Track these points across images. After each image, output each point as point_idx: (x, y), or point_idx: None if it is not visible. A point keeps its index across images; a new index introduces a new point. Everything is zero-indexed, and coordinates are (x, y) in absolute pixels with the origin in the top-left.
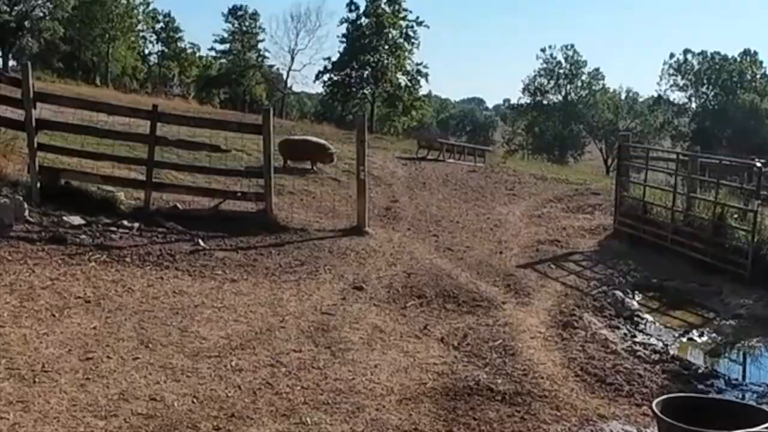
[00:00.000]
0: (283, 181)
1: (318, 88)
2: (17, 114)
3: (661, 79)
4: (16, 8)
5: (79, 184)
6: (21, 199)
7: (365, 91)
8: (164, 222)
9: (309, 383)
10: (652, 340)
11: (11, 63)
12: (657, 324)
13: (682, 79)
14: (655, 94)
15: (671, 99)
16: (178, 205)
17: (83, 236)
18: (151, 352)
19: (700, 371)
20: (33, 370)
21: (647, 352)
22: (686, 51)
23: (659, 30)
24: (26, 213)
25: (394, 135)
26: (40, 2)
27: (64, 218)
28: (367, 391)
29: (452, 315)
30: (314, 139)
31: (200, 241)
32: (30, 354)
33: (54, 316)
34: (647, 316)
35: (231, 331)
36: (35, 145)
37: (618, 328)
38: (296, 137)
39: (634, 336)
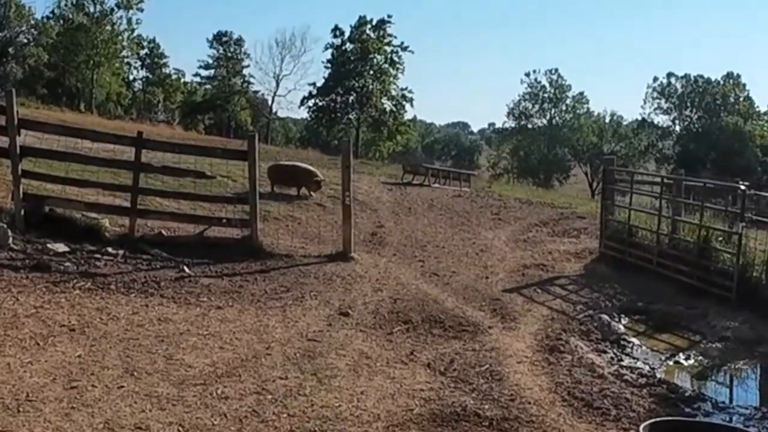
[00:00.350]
0: (269, 207)
1: (303, 114)
2: (1, 141)
3: (645, 103)
4: (0, 34)
5: (63, 211)
6: (5, 226)
7: (350, 116)
8: (149, 249)
9: (295, 411)
10: (639, 364)
11: None
12: (643, 347)
13: (666, 102)
14: (639, 118)
15: (655, 122)
16: (163, 232)
17: (67, 264)
18: (137, 380)
19: (687, 394)
20: (17, 399)
21: (634, 376)
22: (669, 74)
23: (642, 54)
24: (10, 240)
25: (379, 160)
26: (24, 29)
27: (49, 245)
28: (354, 417)
29: (439, 340)
30: (303, 165)
31: (185, 267)
32: (14, 383)
33: (38, 344)
34: (634, 339)
35: (216, 359)
36: (19, 172)
37: (605, 351)
38: (285, 163)
39: (621, 360)
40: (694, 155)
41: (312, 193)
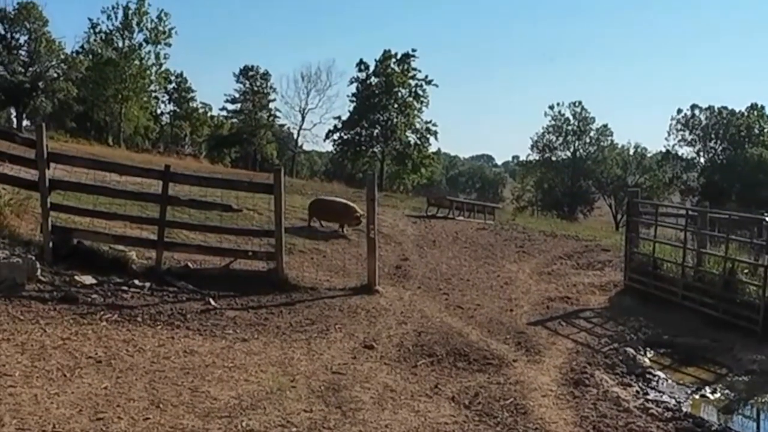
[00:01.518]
0: (294, 240)
1: (328, 147)
2: (31, 174)
3: (669, 135)
4: (30, 69)
5: (91, 243)
6: (33, 258)
7: (375, 149)
8: (175, 281)
9: None
10: (665, 398)
11: (25, 123)
12: (669, 381)
13: (690, 134)
14: (664, 150)
15: (679, 154)
16: (190, 265)
17: (95, 296)
18: (162, 412)
19: (713, 428)
20: (44, 430)
21: (660, 410)
22: (693, 106)
23: (666, 86)
24: (38, 272)
25: (403, 193)
26: (54, 63)
27: (76, 278)
28: None
29: (463, 373)
30: (343, 200)
31: (211, 300)
32: (41, 414)
33: (65, 376)
34: (659, 372)
35: (242, 391)
36: (48, 204)
37: (630, 385)
38: (327, 198)
39: (647, 393)
40: (719, 187)
41: (350, 228)
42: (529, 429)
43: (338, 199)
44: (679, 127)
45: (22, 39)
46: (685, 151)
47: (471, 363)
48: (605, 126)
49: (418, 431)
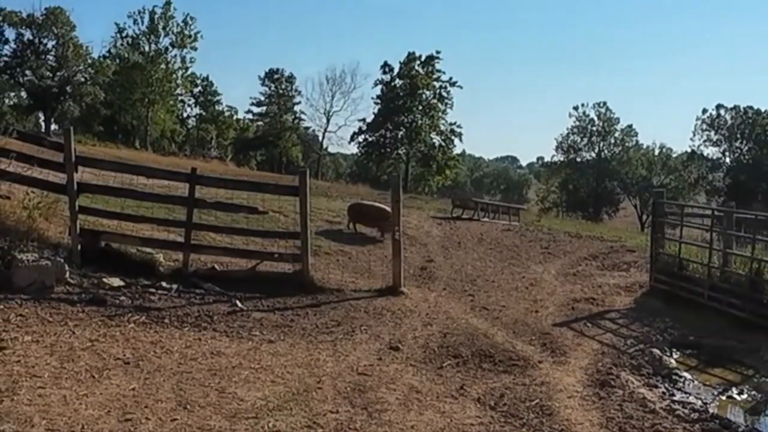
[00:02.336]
0: (320, 242)
1: (353, 149)
2: (59, 177)
3: (694, 135)
4: (58, 74)
5: (118, 246)
6: (62, 261)
7: (400, 151)
8: (202, 283)
9: None
10: (691, 399)
11: (53, 127)
12: (695, 382)
13: (716, 134)
14: (689, 150)
15: (705, 154)
16: (216, 267)
17: (122, 298)
18: (189, 413)
19: (740, 430)
20: (73, 431)
21: (686, 411)
22: (719, 106)
23: (691, 85)
24: (67, 275)
25: (428, 194)
26: (81, 68)
27: (104, 280)
28: None
29: (489, 375)
30: (380, 205)
31: (238, 302)
32: (70, 415)
33: (93, 377)
34: (685, 374)
35: (268, 392)
36: (76, 207)
37: (656, 386)
38: (364, 202)
39: (673, 395)
40: (745, 187)
41: (387, 233)
42: (555, 430)
43: (375, 204)
44: (704, 127)
45: (50, 44)
46: (711, 152)
47: (496, 364)
48: (630, 126)
49: None
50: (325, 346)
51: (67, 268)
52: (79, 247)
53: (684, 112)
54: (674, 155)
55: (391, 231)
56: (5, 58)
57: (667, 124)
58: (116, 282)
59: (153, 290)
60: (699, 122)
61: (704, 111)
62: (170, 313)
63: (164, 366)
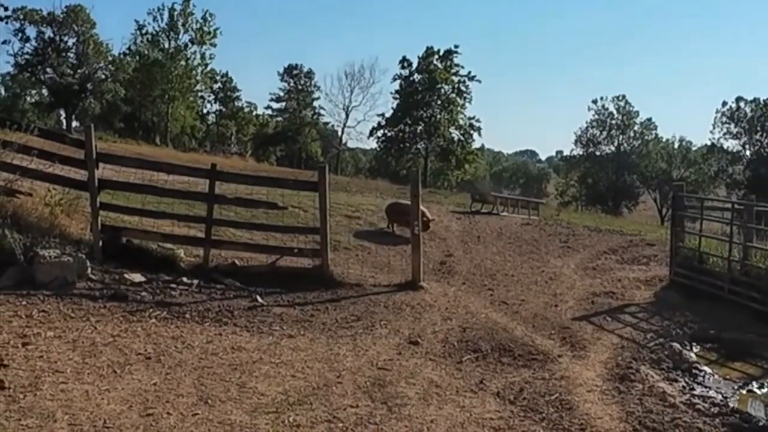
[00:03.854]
0: (339, 237)
1: (372, 144)
2: (80, 174)
3: (714, 128)
4: (79, 71)
5: (139, 242)
6: (84, 257)
7: (419, 146)
8: (223, 279)
9: None
10: (711, 393)
11: (74, 124)
12: (716, 376)
13: (736, 126)
14: (709, 143)
15: (725, 147)
16: (237, 262)
17: (144, 293)
18: (210, 407)
19: (761, 424)
20: (95, 425)
21: (706, 405)
22: (739, 98)
23: (711, 78)
24: (89, 271)
25: (447, 189)
26: (102, 65)
27: (126, 276)
28: None
29: (508, 369)
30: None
31: (258, 297)
32: (92, 410)
33: (115, 372)
34: (705, 368)
35: (288, 387)
36: (97, 204)
37: (676, 380)
38: (401, 201)
39: (693, 389)
40: (765, 180)
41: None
42: (575, 424)
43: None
44: (724, 119)
45: (71, 41)
46: (731, 144)
47: (516, 358)
48: (649, 120)
49: (464, 426)
50: (345, 341)
51: (88, 264)
52: (100, 243)
53: (704, 105)
54: (694, 148)
55: (424, 230)
56: (27, 56)
57: (686, 117)
58: (137, 278)
59: (174, 286)
60: (719, 115)
61: (724, 104)
62: (191, 309)
63: (185, 361)
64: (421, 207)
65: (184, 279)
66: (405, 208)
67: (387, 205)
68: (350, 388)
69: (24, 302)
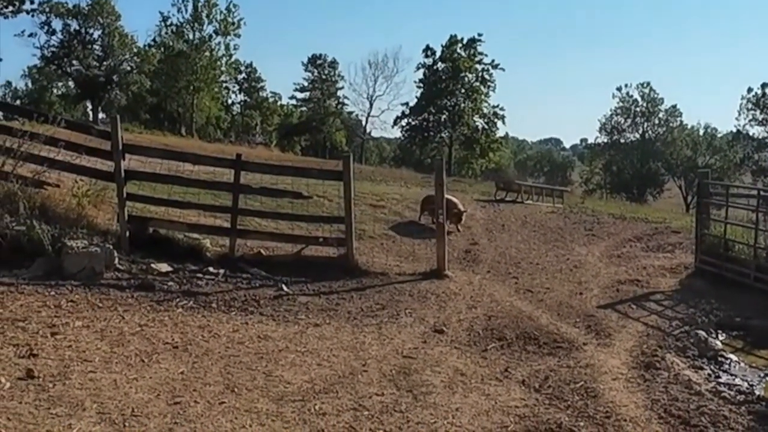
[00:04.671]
0: (364, 226)
1: (396, 133)
2: (107, 165)
3: (739, 114)
4: (104, 63)
5: (166, 232)
6: (111, 247)
7: (443, 134)
8: (248, 268)
9: (391, 427)
10: (737, 381)
11: (101, 115)
12: (742, 364)
13: (761, 113)
14: (734, 129)
15: (750, 134)
16: (262, 251)
17: (171, 283)
18: (237, 396)
19: None
20: (123, 414)
21: (732, 393)
22: (764, 85)
23: (737, 65)
24: (116, 261)
25: (472, 177)
26: (127, 57)
27: (152, 266)
28: None
29: (533, 357)
30: (449, 196)
31: (284, 286)
32: (120, 398)
33: (143, 361)
34: (731, 355)
35: (314, 375)
36: (124, 195)
37: (701, 368)
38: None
39: (719, 376)
40: None
41: (452, 224)
42: (600, 412)
43: (448, 196)
44: (749, 106)
45: (96, 34)
46: (757, 131)
47: (541, 346)
48: (674, 107)
49: (489, 414)
50: (371, 330)
51: (116, 254)
52: (127, 233)
53: (729, 92)
54: (719, 135)
55: (453, 222)
56: (53, 49)
57: (711, 103)
58: (164, 267)
59: (200, 275)
60: (744, 101)
61: (750, 90)
62: (217, 298)
63: (212, 350)
64: (453, 198)
65: (211, 269)
66: (432, 200)
67: (422, 198)
68: (376, 377)
69: (52, 292)
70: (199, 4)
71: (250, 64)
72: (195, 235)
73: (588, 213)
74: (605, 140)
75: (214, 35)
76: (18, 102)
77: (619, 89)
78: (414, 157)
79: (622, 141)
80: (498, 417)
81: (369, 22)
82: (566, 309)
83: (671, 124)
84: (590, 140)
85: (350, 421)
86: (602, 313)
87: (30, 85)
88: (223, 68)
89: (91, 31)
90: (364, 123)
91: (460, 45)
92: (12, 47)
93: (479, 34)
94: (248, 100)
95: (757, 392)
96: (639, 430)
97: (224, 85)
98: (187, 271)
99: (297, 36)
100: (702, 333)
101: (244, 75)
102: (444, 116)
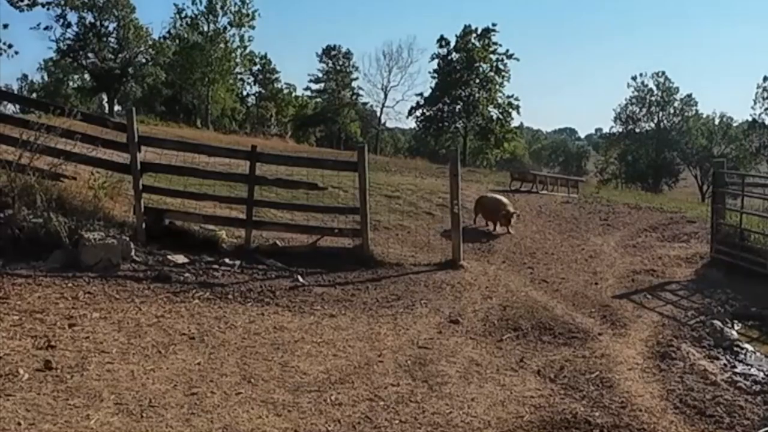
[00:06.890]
0: (379, 217)
1: (411, 124)
2: (123, 157)
3: (755, 103)
4: (120, 55)
5: (182, 223)
6: (127, 239)
7: (457, 125)
8: (264, 259)
9: (407, 417)
10: (753, 371)
11: (116, 108)
12: (758, 354)
13: None
14: (750, 119)
15: (766, 123)
16: (278, 243)
17: (187, 274)
18: (253, 387)
19: None
20: (140, 405)
21: (748, 383)
22: None
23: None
24: (132, 252)
25: (486, 167)
26: (142, 49)
27: (169, 257)
28: (465, 424)
29: (548, 347)
30: (495, 196)
31: (299, 277)
32: (138, 389)
33: (160, 352)
34: (747, 345)
35: (330, 366)
36: (140, 187)
37: (717, 358)
38: (489, 195)
39: (734, 366)
40: None
41: (502, 226)
42: (615, 402)
43: (495, 196)
44: (765, 95)
45: (111, 26)
46: None
47: (556, 336)
48: (689, 96)
49: (504, 405)
50: (386, 320)
51: (132, 246)
52: (143, 225)
53: (744, 80)
54: (735, 124)
55: (501, 224)
56: (68, 42)
57: (727, 92)
58: (180, 259)
59: (216, 267)
60: (760, 90)
61: (765, 79)
62: (234, 289)
63: (228, 341)
64: (503, 198)
65: (227, 260)
66: (485, 201)
67: (476, 200)
68: (391, 367)
69: (70, 284)
70: None
71: (265, 56)
72: (211, 227)
73: (603, 203)
74: (620, 130)
75: (228, 27)
76: (34, 95)
77: (634, 78)
78: (429, 147)
79: (637, 130)
80: (513, 407)
81: (383, 13)
82: (581, 299)
83: (686, 114)
84: (605, 130)
85: (366, 411)
86: (617, 303)
87: (46, 78)
88: (237, 60)
89: (106, 23)
90: (378, 114)
91: (474, 35)
92: (28, 40)
93: (493, 24)
94: (263, 91)
95: None
96: (654, 420)
97: (239, 76)
98: (203, 262)
99: (311, 27)
100: (717, 323)
101: (258, 66)
102: (458, 106)
